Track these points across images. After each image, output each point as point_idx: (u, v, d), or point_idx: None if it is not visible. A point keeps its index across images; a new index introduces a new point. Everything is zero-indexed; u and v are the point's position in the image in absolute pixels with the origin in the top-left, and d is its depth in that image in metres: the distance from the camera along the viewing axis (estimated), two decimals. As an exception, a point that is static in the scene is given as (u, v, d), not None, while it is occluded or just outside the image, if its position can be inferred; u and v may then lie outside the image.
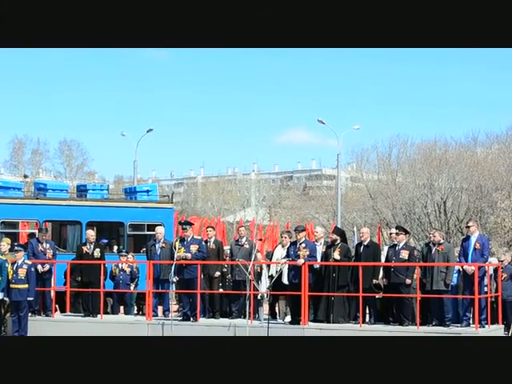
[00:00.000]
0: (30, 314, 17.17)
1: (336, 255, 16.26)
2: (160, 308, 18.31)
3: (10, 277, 16.87)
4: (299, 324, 15.89)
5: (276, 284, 16.29)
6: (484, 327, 15.32)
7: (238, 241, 17.78)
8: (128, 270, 19.73)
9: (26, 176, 48.90)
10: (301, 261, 15.90)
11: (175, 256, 16.57)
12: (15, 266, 16.92)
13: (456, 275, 16.09)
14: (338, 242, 16.53)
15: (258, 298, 16.76)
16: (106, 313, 18.44)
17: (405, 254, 15.90)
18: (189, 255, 16.63)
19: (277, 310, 17.70)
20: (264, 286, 16.89)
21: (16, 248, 17.28)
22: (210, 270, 17.43)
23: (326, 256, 16.43)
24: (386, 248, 16.96)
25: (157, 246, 17.82)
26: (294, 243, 16.46)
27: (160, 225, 19.54)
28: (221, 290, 17.76)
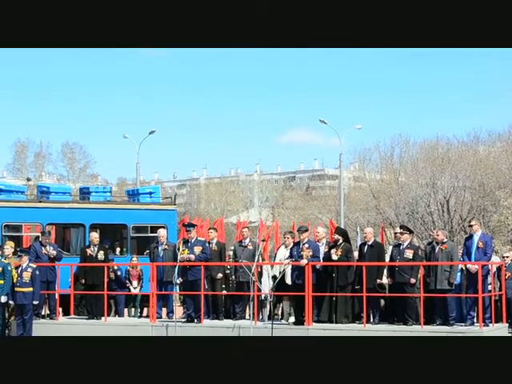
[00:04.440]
0: (34, 317, 17.17)
1: (333, 255, 16.24)
2: (164, 310, 18.31)
3: (14, 280, 16.88)
4: (303, 324, 15.89)
5: (279, 284, 16.29)
6: (488, 326, 15.33)
7: (241, 242, 17.77)
8: (112, 275, 19.52)
9: (28, 179, 48.86)
10: (304, 261, 15.89)
11: (178, 258, 16.58)
12: (20, 269, 16.93)
13: (459, 274, 16.10)
14: (341, 242, 16.50)
15: (262, 298, 16.76)
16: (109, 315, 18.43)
17: (409, 254, 15.89)
18: (192, 257, 16.62)
19: (278, 312, 17.71)
20: (266, 286, 16.89)
21: (19, 253, 17.29)
22: (213, 271, 17.41)
23: (328, 256, 16.40)
24: (390, 248, 16.93)
25: (159, 248, 17.82)
26: (297, 244, 16.45)
27: (163, 227, 19.54)
28: (224, 292, 17.74)
